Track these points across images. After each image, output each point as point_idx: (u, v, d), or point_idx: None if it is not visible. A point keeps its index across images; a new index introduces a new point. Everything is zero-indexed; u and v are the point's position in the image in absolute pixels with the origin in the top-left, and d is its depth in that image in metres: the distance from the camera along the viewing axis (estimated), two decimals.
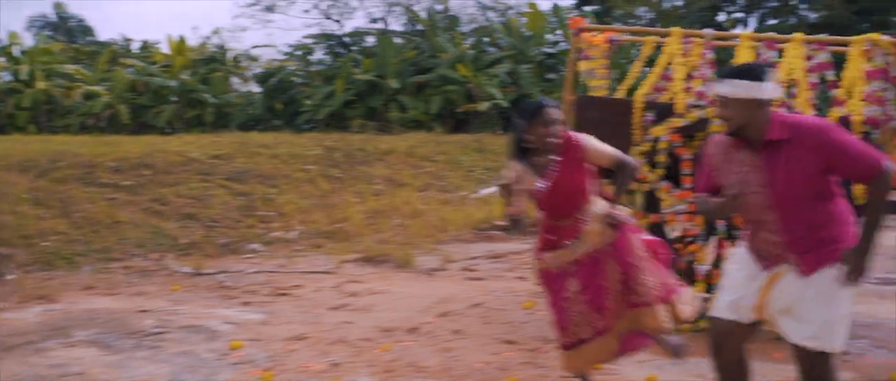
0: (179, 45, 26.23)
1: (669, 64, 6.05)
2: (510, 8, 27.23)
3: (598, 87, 6.52)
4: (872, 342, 5.54)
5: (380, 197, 12.04)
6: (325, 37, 27.57)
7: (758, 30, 25.64)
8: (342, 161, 13.67)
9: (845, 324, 3.24)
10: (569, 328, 4.05)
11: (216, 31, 27.28)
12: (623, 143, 5.88)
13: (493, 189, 12.46)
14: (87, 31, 33.85)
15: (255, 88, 26.73)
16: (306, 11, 30.67)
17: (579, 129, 6.13)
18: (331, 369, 4.88)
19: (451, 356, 5.15)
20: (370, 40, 27.01)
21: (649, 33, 6.61)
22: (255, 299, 6.86)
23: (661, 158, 5.77)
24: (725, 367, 3.46)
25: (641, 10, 28.16)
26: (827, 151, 3.10)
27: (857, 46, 5.60)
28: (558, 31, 24.15)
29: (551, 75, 23.05)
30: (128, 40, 30.65)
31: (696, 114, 5.68)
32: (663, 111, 5.92)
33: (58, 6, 32.95)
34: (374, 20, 27.97)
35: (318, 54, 26.83)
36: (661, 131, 5.75)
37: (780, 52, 5.84)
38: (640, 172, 5.78)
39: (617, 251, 3.99)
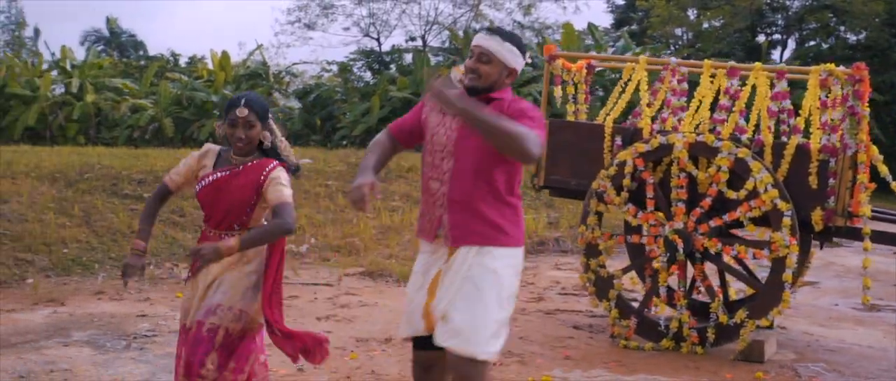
0: (223, 61, 27.05)
1: (637, 90, 6.32)
2: (547, 28, 27.58)
3: (577, 110, 6.82)
4: (827, 365, 5.70)
5: (394, 214, 12.40)
6: (364, 54, 28.17)
7: (796, 51, 25.51)
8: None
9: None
10: None
11: (259, 47, 28.07)
12: (593, 166, 6.21)
13: None
14: (138, 45, 35.03)
15: (295, 104, 27.43)
16: (346, 29, 31.33)
17: (552, 152, 6.47)
18: (295, 373, 5.23)
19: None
20: (409, 58, 27.54)
21: (620, 61, 6.87)
22: None
23: (627, 182, 6.02)
24: None
25: (679, 31, 28.21)
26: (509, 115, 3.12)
27: (814, 76, 5.80)
28: (592, 51, 24.36)
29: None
30: (175, 55, 31.73)
31: (660, 140, 5.93)
32: (630, 136, 6.19)
33: (110, 21, 34.18)
34: (412, 38, 28.51)
35: (357, 71, 27.44)
36: (627, 156, 6.01)
37: (743, 81, 6.06)
38: (608, 195, 6.06)
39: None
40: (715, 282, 6.92)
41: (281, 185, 3.48)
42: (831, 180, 5.61)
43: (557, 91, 6.63)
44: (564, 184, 6.50)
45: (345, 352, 5.78)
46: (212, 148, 3.68)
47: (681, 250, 5.82)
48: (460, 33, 26.94)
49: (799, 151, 5.73)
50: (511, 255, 3.19)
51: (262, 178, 3.51)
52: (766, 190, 5.61)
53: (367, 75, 27.28)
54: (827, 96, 5.73)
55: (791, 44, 25.85)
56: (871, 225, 5.67)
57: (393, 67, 27.45)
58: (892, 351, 6.10)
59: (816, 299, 8.11)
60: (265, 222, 3.58)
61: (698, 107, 6.18)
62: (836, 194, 5.60)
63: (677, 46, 28.22)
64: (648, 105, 6.31)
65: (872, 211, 5.74)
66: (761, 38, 26.84)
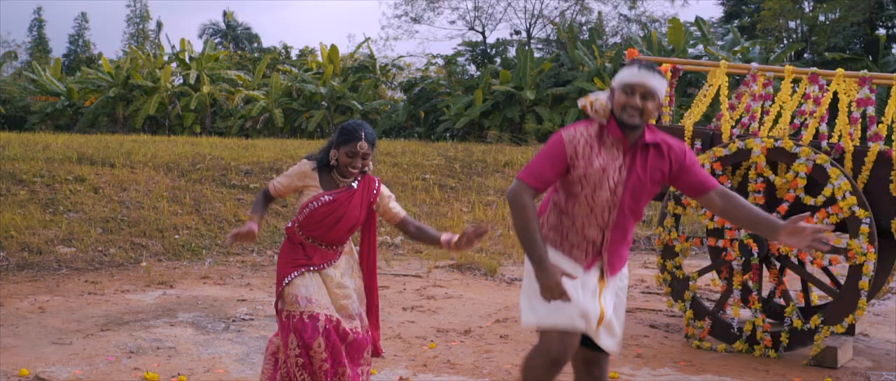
0: (331, 53, 27.89)
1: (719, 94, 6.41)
2: (654, 21, 27.28)
3: (661, 113, 6.95)
4: None
5: (489, 208, 12.70)
6: (468, 47, 28.52)
7: None
8: (460, 172, 14.43)
9: None
10: None
11: (366, 40, 28.80)
12: None
13: None
14: (252, 38, 36.42)
15: (401, 96, 28.04)
16: (452, 22, 31.72)
17: None
18: (376, 361, 5.60)
19: (487, 357, 5.76)
20: (512, 52, 27.74)
21: (704, 66, 6.95)
22: None
23: None
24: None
25: (793, 24, 27.40)
26: (683, 165, 3.31)
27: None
28: (699, 45, 23.99)
29: (691, 90, 22.96)
30: (287, 48, 32.87)
31: (739, 145, 6.02)
32: (710, 140, 6.29)
33: (227, 15, 35.67)
34: (517, 32, 28.69)
35: (462, 64, 27.80)
36: (706, 160, 6.12)
37: (823, 87, 6.06)
38: (685, 198, 6.18)
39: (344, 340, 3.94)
40: (797, 288, 6.94)
41: (393, 200, 4.08)
42: None
43: None
44: None
45: (425, 342, 6.11)
46: (309, 165, 3.97)
47: (755, 254, 5.90)
48: (564, 27, 26.96)
49: (880, 158, 5.72)
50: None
51: (374, 195, 4.01)
52: (844, 197, 5.63)
53: (472, 69, 27.63)
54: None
55: None
56: None
57: (497, 60, 27.70)
58: None
59: None
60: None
61: (780, 113, 6.22)
62: None
63: (790, 40, 27.44)
64: (730, 109, 6.39)
65: None
66: (881, 32, 25.80)
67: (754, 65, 6.35)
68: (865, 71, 6.05)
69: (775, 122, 6.33)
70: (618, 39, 27.10)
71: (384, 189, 4.06)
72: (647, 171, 3.27)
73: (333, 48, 27.87)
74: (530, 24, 28.69)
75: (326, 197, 3.89)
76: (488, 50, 27.95)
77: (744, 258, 5.97)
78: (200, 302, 7.24)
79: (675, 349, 6.14)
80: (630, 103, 3.17)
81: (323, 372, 3.84)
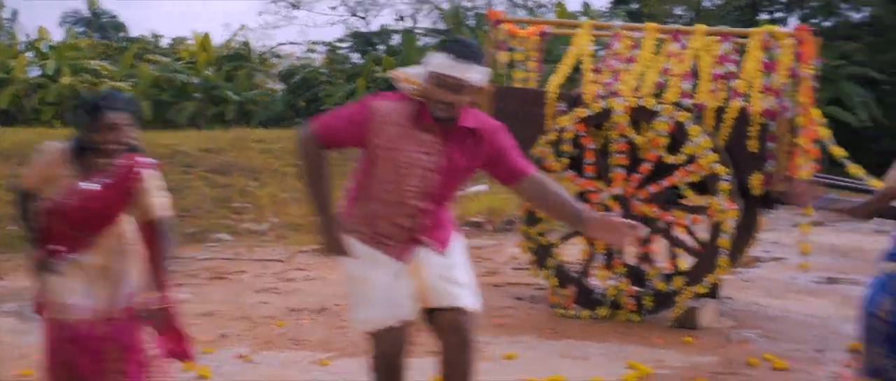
0: (204, 42, 27.12)
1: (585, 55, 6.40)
2: (541, 6, 27.60)
3: (527, 78, 6.90)
4: (762, 332, 5.78)
5: None
6: (352, 35, 28.25)
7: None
8: (335, 157, 14.16)
9: None
10: None
11: (242, 28, 28.17)
12: (537, 133, 6.28)
13: (483, 187, 12.80)
14: (119, 27, 35.13)
15: (279, 86, 27.53)
16: (333, 8, 31.38)
17: (497, 119, 6.54)
18: (217, 340, 5.34)
19: (339, 331, 5.57)
20: (397, 39, 27.60)
21: (570, 25, 6.94)
22: (190, 282, 7.35)
23: (566, 147, 6.10)
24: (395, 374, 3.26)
25: (679, 10, 28.20)
26: (501, 151, 3.16)
27: (755, 38, 5.87)
28: None
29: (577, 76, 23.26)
30: (157, 37, 31.81)
31: (601, 105, 6.01)
32: (573, 102, 6.27)
33: (91, 2, 34.30)
34: (401, 18, 28.58)
35: (343, 52, 27.51)
36: (567, 121, 6.09)
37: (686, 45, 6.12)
38: (547, 162, 6.14)
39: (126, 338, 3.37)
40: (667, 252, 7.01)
41: (157, 193, 3.39)
42: (771, 144, 5.69)
43: (502, 57, 6.70)
44: None
45: (272, 320, 5.88)
46: (56, 147, 3.26)
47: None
48: (449, 14, 27.00)
49: (741, 115, 5.80)
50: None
51: (134, 180, 3.32)
52: (704, 155, 5.69)
53: (355, 57, 27.36)
54: (769, 59, 5.80)
55: (793, 22, 25.81)
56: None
57: (381, 47, 27.52)
58: (833, 319, 6.18)
59: (779, 273, 8.18)
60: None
61: (644, 72, 6.24)
62: (776, 158, 5.68)
63: (678, 25, 28.19)
64: (595, 70, 6.39)
65: (816, 176, 5.81)
66: (763, 17, 26.81)
67: (616, 22, 6.36)
68: (724, 27, 6.15)
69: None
70: None
71: (147, 174, 3.34)
72: (462, 156, 3.10)
73: (206, 37, 27.10)
74: (415, 10, 28.65)
75: (81, 186, 3.23)
76: (372, 37, 27.74)
77: None
78: (27, 293, 6.78)
79: (539, 318, 6.09)
80: (439, 98, 2.99)
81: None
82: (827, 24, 25.10)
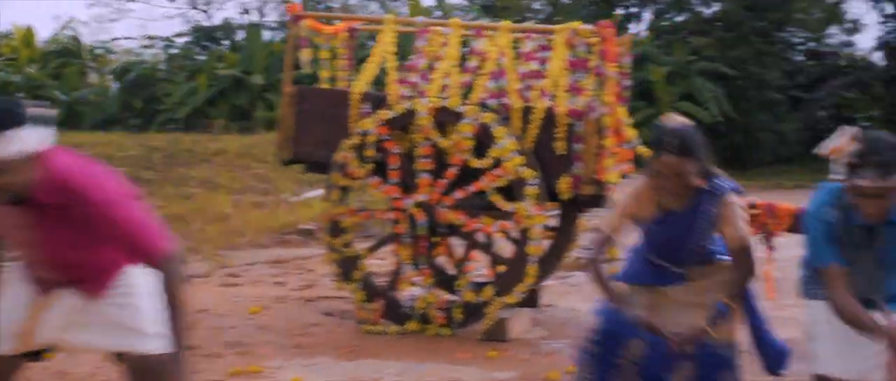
0: (26, 36, 25.80)
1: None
2: (395, 0, 27.52)
3: (335, 78, 6.70)
4: (574, 341, 5.78)
5: (189, 201, 12.06)
6: (193, 29, 27.44)
7: (652, 26, 26.34)
8: (160, 163, 13.66)
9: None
10: None
11: (71, 21, 26.94)
12: (342, 136, 6.08)
13: (317, 193, 12.56)
14: None
15: (113, 84, 26.47)
16: (172, 0, 30.38)
17: (299, 121, 6.34)
18: None
19: None
20: (243, 34, 26.97)
21: (377, 21, 6.79)
22: None
23: (370, 152, 5.93)
24: None
25: (538, 4, 28.66)
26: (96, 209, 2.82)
27: (560, 36, 5.85)
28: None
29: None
30: None
31: (405, 106, 5.87)
32: (378, 103, 6.10)
33: None
34: (246, 11, 27.96)
35: (183, 48, 26.67)
36: (370, 124, 5.92)
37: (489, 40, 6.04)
38: (351, 167, 5.96)
39: None
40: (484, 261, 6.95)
41: None
42: (577, 146, 5.68)
43: (305, 55, 6.48)
44: (311, 157, 6.37)
45: None
46: None
47: (424, 225, 5.78)
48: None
49: (548, 115, 5.77)
50: None
51: None
52: (510, 158, 5.63)
53: (194, 52, 26.56)
54: (575, 56, 5.80)
55: (647, 16, 26.67)
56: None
57: (225, 43, 26.85)
58: None
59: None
60: None
61: (450, 72, 6.12)
62: (583, 161, 5.67)
63: (535, 20, 28.67)
64: (407, 70, 6.25)
65: (624, 178, 5.84)
66: (619, 11, 27.55)
67: (421, 18, 6.25)
68: (530, 24, 6.13)
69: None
70: None
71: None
72: (62, 225, 2.86)
73: (29, 30, 25.77)
74: (263, 3, 28.05)
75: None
76: (214, 31, 26.99)
77: (412, 230, 5.84)
78: None
79: (344, 336, 5.91)
80: None
81: None
82: (679, 18, 26.09)
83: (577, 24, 5.85)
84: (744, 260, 3.41)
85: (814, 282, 3.27)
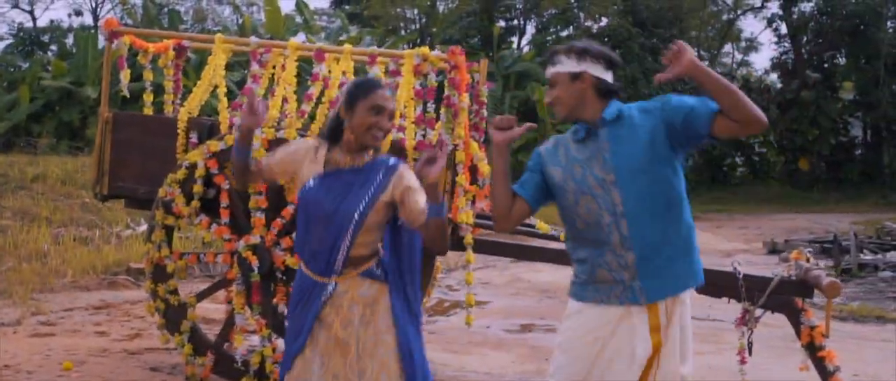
0: None
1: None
2: (252, 5, 27.40)
3: (160, 102, 6.67)
4: None
5: (2, 234, 11.72)
6: (16, 33, 26.66)
7: (535, 39, 27.02)
8: None
9: None
10: None
11: None
12: (165, 169, 6.04)
13: None
14: None
15: None
16: None
17: (117, 152, 6.27)
18: None
19: None
20: (73, 39, 26.34)
21: (206, 41, 6.78)
22: None
23: (198, 188, 5.92)
24: None
25: (411, 13, 29.00)
26: None
27: (408, 62, 5.98)
28: (301, 33, 24.45)
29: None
30: None
31: (235, 136, 5.88)
32: (208, 132, 6.10)
33: None
34: (78, 13, 27.33)
35: (3, 53, 25.85)
36: (198, 156, 5.91)
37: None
38: (176, 205, 5.94)
39: None
40: None
41: None
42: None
43: (124, 76, 6.43)
44: (132, 192, 6.31)
45: None
46: None
47: (256, 270, 5.81)
48: (138, 10, 26.17)
49: (393, 149, 5.88)
50: None
51: None
52: None
53: (18, 59, 25.76)
54: (423, 85, 5.94)
55: (530, 30, 27.36)
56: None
57: (53, 48, 26.15)
58: (509, 376, 6.45)
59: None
60: None
61: (286, 98, 6.17)
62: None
63: (408, 31, 29.00)
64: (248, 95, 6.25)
65: (477, 217, 6.00)
66: (501, 24, 28.18)
67: (253, 39, 6.28)
68: (375, 48, 6.26)
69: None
70: (209, 25, 26.80)
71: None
72: None
73: None
74: (96, 5, 27.46)
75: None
76: (39, 35, 26.24)
77: (244, 276, 5.85)
78: None
79: None
80: None
81: None
82: (564, 33, 26.84)
83: (424, 50, 5.98)
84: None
85: None
